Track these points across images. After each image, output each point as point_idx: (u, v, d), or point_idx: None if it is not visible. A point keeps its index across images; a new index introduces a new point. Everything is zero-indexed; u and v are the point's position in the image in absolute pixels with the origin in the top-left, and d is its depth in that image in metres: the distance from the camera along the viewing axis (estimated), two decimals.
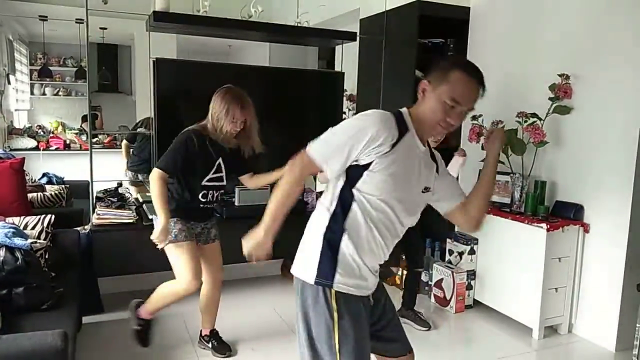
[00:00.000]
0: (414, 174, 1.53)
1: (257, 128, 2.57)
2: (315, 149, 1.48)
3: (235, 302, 3.49)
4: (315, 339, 1.52)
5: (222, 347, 2.75)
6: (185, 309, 3.19)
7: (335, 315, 1.49)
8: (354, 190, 1.48)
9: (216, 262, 2.70)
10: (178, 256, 2.48)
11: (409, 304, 3.23)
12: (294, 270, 1.60)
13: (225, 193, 2.91)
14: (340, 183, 1.51)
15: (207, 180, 2.53)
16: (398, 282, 3.85)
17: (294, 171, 1.51)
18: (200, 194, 2.53)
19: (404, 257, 3.49)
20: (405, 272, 3.46)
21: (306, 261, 1.55)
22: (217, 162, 2.54)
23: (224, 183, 2.62)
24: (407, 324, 3.18)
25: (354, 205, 1.49)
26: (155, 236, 2.39)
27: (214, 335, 2.79)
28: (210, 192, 2.57)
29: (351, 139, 1.44)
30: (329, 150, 1.47)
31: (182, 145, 2.43)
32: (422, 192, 1.57)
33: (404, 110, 1.55)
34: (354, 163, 1.46)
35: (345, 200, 1.50)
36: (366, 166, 1.45)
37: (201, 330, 2.82)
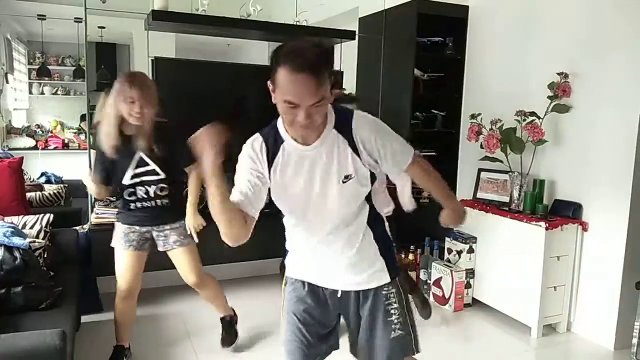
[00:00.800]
0: (303, 178, 1.47)
1: (151, 117, 2.26)
2: None
3: (234, 301, 3.48)
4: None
5: (225, 338, 2.80)
6: (183, 308, 3.20)
7: (284, 295, 1.68)
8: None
9: (182, 268, 2.55)
10: (115, 259, 2.48)
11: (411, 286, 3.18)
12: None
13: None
14: None
15: (132, 177, 2.33)
16: None
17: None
18: (126, 193, 2.37)
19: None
20: None
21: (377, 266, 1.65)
22: (137, 157, 2.32)
23: (161, 176, 2.36)
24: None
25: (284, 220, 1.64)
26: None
27: (223, 322, 2.83)
28: (140, 187, 2.35)
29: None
30: None
31: (99, 156, 2.36)
32: (343, 182, 1.46)
33: (278, 120, 1.48)
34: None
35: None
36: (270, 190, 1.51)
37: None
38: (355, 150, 1.47)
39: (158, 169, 2.36)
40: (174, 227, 2.48)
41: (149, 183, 2.36)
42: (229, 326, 2.82)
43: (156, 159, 2.34)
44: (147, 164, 2.34)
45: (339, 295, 1.63)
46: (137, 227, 2.44)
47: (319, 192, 1.49)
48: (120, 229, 2.45)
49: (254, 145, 1.48)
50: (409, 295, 3.15)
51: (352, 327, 1.67)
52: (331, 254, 1.59)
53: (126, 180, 2.34)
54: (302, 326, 1.63)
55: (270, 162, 1.46)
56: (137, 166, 2.33)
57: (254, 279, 3.88)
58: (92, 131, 2.44)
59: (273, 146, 1.46)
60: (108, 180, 2.39)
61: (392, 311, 1.61)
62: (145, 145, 2.30)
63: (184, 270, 2.57)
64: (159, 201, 2.40)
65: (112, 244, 2.48)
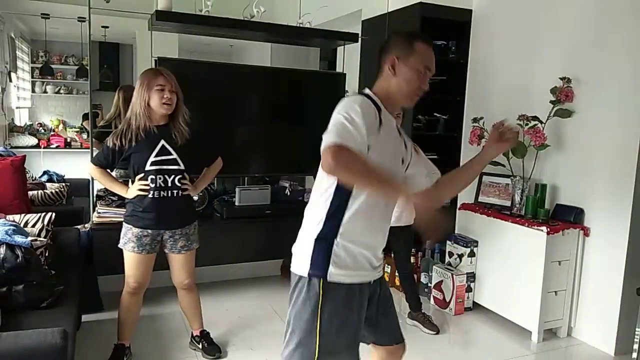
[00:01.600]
0: (396, 148, 1.62)
1: (179, 107, 2.43)
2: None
3: (233, 302, 3.49)
4: (302, 327, 1.58)
5: (211, 348, 2.72)
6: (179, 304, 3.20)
7: (320, 303, 1.54)
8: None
9: (180, 271, 2.57)
10: (125, 260, 2.48)
11: (415, 307, 3.23)
12: (292, 266, 1.64)
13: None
14: (332, 178, 1.52)
15: (152, 164, 2.38)
16: (397, 283, 3.85)
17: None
18: (148, 179, 2.38)
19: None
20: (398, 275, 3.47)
21: (301, 256, 1.60)
22: (160, 144, 2.39)
23: (181, 167, 2.43)
24: (415, 327, 3.19)
25: (351, 197, 1.53)
26: (132, 195, 2.40)
27: (204, 336, 2.77)
28: (159, 176, 2.39)
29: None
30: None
31: (106, 149, 2.42)
32: (401, 164, 1.64)
33: (367, 91, 1.62)
34: None
35: (341, 194, 1.53)
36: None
37: (192, 332, 2.81)
38: (404, 142, 1.71)
39: (179, 160, 2.42)
40: (184, 233, 2.51)
41: (169, 172, 2.41)
42: (210, 337, 2.79)
43: (179, 150, 2.41)
44: (170, 153, 2.41)
45: (371, 284, 1.66)
46: (150, 231, 2.44)
47: (399, 165, 1.63)
48: (131, 232, 2.43)
49: (364, 103, 1.51)
50: (415, 315, 3.21)
51: (371, 313, 1.69)
52: (381, 242, 1.65)
53: (147, 166, 2.38)
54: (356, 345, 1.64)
55: (380, 123, 1.52)
56: (158, 154, 2.39)
57: (251, 279, 3.88)
58: (103, 123, 2.49)
59: (378, 110, 1.55)
60: (107, 165, 2.46)
61: (391, 293, 1.81)
62: (174, 135, 2.41)
63: (181, 272, 2.58)
64: (176, 192, 2.43)
65: (121, 246, 2.46)
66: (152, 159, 2.38)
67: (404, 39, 1.61)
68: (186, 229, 2.52)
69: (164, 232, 2.48)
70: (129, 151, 2.39)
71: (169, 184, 2.41)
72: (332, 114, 1.50)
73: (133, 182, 2.44)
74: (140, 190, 2.39)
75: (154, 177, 2.38)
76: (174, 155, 2.41)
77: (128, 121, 2.40)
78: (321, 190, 1.57)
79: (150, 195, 2.40)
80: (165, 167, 2.40)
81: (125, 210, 2.52)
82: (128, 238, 2.44)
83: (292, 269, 1.63)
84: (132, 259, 2.46)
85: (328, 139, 1.41)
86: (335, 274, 1.55)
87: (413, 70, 1.58)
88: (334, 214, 1.55)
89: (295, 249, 1.65)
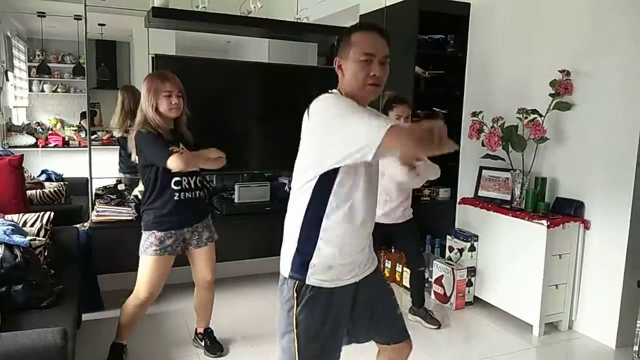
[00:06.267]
0: None
1: (185, 109, 2.44)
2: None
3: (234, 300, 3.49)
4: (282, 331, 1.58)
5: (214, 346, 2.73)
6: (185, 306, 3.20)
7: (297, 307, 1.53)
8: (335, 177, 1.49)
9: (206, 266, 2.59)
10: (142, 267, 2.44)
11: (418, 303, 3.23)
12: (280, 265, 1.64)
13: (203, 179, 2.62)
14: (314, 175, 1.49)
15: None
16: (398, 279, 3.85)
17: None
18: (173, 182, 2.39)
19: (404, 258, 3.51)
20: (408, 273, 3.47)
21: (285, 257, 1.60)
22: (181, 147, 2.39)
23: (197, 168, 2.44)
24: (417, 322, 3.19)
25: (332, 195, 1.50)
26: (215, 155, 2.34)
27: (207, 334, 2.78)
28: (184, 178, 2.42)
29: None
30: None
31: (153, 137, 2.34)
32: None
33: (335, 91, 1.59)
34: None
35: (321, 192, 1.50)
36: None
37: (196, 328, 2.82)
38: None
39: None
40: (205, 224, 2.56)
41: (190, 174, 2.43)
42: (213, 335, 2.80)
43: (193, 151, 2.43)
44: None
45: (358, 284, 1.63)
46: (174, 232, 2.43)
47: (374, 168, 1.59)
48: (153, 237, 2.40)
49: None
50: (417, 310, 3.21)
51: (359, 313, 1.66)
52: (364, 238, 1.61)
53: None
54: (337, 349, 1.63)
55: None
56: None
57: (252, 276, 3.87)
58: (128, 128, 2.43)
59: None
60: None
61: (391, 290, 1.78)
62: (184, 137, 2.44)
63: (207, 268, 2.59)
64: (198, 192, 2.48)
65: (142, 253, 2.43)
66: None
67: (343, 35, 1.57)
68: (205, 221, 2.57)
69: (186, 231, 2.48)
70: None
71: (192, 185, 2.46)
72: None
73: (154, 189, 2.40)
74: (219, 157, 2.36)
75: (179, 179, 2.41)
76: None
77: (146, 123, 2.37)
78: (302, 189, 1.53)
79: (176, 198, 2.40)
80: None
81: (142, 218, 2.47)
82: (150, 242, 2.40)
83: (280, 269, 1.63)
84: (150, 263, 2.41)
85: (373, 128, 1.31)
86: (313, 277, 1.54)
87: (356, 63, 1.51)
88: (312, 219, 1.52)
89: (282, 247, 1.64)
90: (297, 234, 1.55)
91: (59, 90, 7.77)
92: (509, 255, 3.24)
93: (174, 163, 2.23)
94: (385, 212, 2.98)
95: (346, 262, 1.57)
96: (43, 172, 4.82)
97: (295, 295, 1.54)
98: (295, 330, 1.54)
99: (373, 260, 1.71)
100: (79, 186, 4.31)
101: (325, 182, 1.49)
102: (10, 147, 5.70)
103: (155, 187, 2.41)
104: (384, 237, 3.05)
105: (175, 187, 2.40)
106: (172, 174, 2.37)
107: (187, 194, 2.44)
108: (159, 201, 2.41)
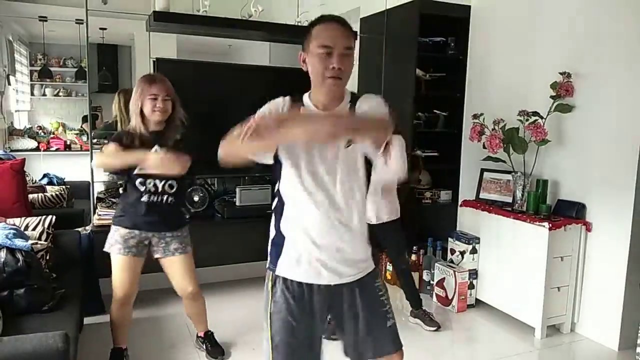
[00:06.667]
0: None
1: (175, 113, 2.43)
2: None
3: (235, 302, 3.48)
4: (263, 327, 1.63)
5: (215, 350, 2.72)
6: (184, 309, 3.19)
7: (270, 298, 1.60)
8: (282, 175, 1.56)
9: (182, 278, 2.52)
10: (113, 267, 2.43)
11: (416, 305, 3.22)
12: None
13: (183, 185, 2.52)
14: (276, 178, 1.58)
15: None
16: (390, 278, 3.84)
17: None
18: (138, 181, 2.36)
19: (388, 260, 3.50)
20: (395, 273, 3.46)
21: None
22: (154, 149, 2.33)
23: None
24: (417, 324, 3.18)
25: (282, 193, 1.57)
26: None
27: (208, 337, 2.77)
28: (149, 180, 2.36)
29: None
30: None
31: (118, 135, 2.42)
32: (346, 146, 1.52)
33: (287, 97, 1.62)
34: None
35: (279, 188, 1.59)
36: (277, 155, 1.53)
37: (197, 332, 2.82)
38: None
39: None
40: (175, 235, 2.48)
41: (160, 177, 2.38)
42: (214, 339, 2.79)
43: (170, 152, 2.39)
44: None
45: (332, 288, 1.59)
46: (137, 232, 2.41)
47: (330, 154, 1.53)
48: (117, 234, 2.41)
49: (277, 100, 1.59)
50: (416, 312, 3.20)
51: (343, 323, 1.64)
52: (333, 238, 1.56)
53: (137, 169, 2.32)
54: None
55: None
56: None
57: (251, 279, 3.86)
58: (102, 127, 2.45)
59: (292, 107, 1.56)
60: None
61: (385, 301, 1.68)
62: (165, 140, 2.39)
63: (182, 280, 2.53)
64: (165, 197, 2.41)
65: (107, 249, 2.43)
66: None
67: (306, 31, 1.55)
68: (177, 232, 2.49)
69: (152, 236, 2.44)
70: None
71: (159, 189, 2.39)
72: None
73: (125, 187, 2.44)
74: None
75: (143, 180, 2.36)
76: None
77: (127, 126, 2.43)
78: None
79: (142, 199, 2.38)
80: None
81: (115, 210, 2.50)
82: (114, 240, 2.41)
83: None
84: (117, 263, 2.42)
85: None
86: (281, 267, 1.58)
87: (315, 56, 1.49)
88: (277, 205, 1.60)
89: None
90: (272, 225, 1.62)
91: (60, 94, 7.80)
92: (510, 258, 3.23)
93: (96, 160, 2.36)
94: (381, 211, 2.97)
95: (311, 258, 1.54)
96: (45, 175, 4.83)
97: (270, 285, 1.60)
98: (269, 325, 1.60)
99: (364, 268, 1.63)
100: (80, 190, 4.32)
101: (277, 172, 1.57)
102: (12, 151, 5.71)
103: (128, 184, 2.43)
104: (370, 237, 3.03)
105: (140, 188, 2.37)
106: (137, 175, 2.35)
107: (153, 197, 2.39)
108: (129, 198, 2.42)
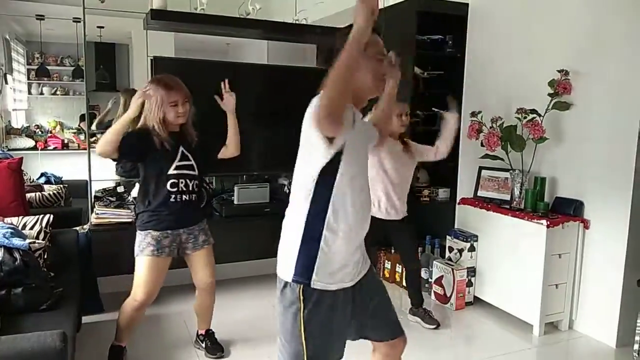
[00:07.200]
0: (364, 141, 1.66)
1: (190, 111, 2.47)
2: None
3: (234, 301, 3.48)
4: (288, 335, 1.57)
5: (214, 348, 2.73)
6: (185, 308, 3.19)
7: (304, 309, 1.52)
8: (337, 176, 1.49)
9: (205, 270, 2.58)
10: (139, 268, 2.43)
11: (417, 303, 3.23)
12: (277, 270, 1.61)
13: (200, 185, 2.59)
14: (314, 174, 1.49)
15: (175, 168, 2.42)
16: (398, 279, 3.85)
17: None
18: (169, 184, 2.40)
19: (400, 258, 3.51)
20: (404, 271, 3.47)
21: (285, 260, 1.57)
22: (180, 150, 2.44)
23: (196, 172, 2.49)
24: (416, 322, 3.19)
25: (333, 194, 1.49)
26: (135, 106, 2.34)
27: (208, 335, 2.78)
28: (181, 180, 2.43)
29: None
30: None
31: (135, 135, 2.39)
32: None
33: None
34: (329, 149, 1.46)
35: (322, 192, 1.49)
36: (342, 147, 1.48)
37: (197, 330, 2.83)
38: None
39: (195, 165, 2.48)
40: (201, 227, 2.57)
41: (189, 177, 2.46)
42: (214, 337, 2.79)
43: (194, 155, 2.48)
44: (189, 159, 2.47)
45: (355, 285, 1.63)
46: (170, 231, 2.44)
47: (364, 155, 1.62)
48: (149, 237, 2.41)
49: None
50: (415, 310, 3.21)
51: (362, 310, 1.67)
52: (361, 237, 1.61)
53: (171, 170, 2.40)
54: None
55: (353, 122, 1.53)
56: (181, 159, 2.44)
57: (252, 277, 3.87)
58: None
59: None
60: (123, 147, 2.33)
61: (384, 287, 1.79)
62: (188, 141, 2.47)
63: (206, 271, 2.58)
64: (194, 195, 2.49)
65: (137, 254, 2.43)
66: (175, 164, 2.42)
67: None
68: (201, 224, 2.58)
69: (182, 232, 2.49)
70: (147, 156, 2.40)
71: (190, 188, 2.47)
72: None
73: (147, 190, 2.43)
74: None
75: (175, 181, 2.42)
76: (192, 161, 2.48)
77: (146, 128, 2.38)
78: (303, 189, 1.52)
79: (172, 200, 2.42)
80: (186, 172, 2.45)
81: (137, 219, 2.48)
82: (147, 243, 2.41)
83: (277, 273, 1.60)
84: (147, 264, 2.41)
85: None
86: (318, 281, 1.52)
87: (375, 61, 1.62)
88: (317, 215, 1.50)
89: (279, 251, 1.62)
90: (299, 235, 1.52)
91: (58, 92, 7.78)
92: (508, 255, 3.24)
93: (98, 149, 2.33)
94: (382, 209, 2.98)
95: (348, 262, 1.57)
96: (42, 174, 4.82)
97: (302, 298, 1.52)
98: (303, 333, 1.52)
99: (366, 259, 1.71)
100: (78, 189, 4.31)
101: (327, 179, 1.49)
102: (9, 150, 5.69)
103: (151, 188, 2.43)
104: (380, 234, 3.05)
105: (171, 189, 2.41)
106: (168, 176, 2.40)
107: (183, 196, 2.45)
108: (155, 202, 2.42)
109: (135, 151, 2.40)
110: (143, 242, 2.42)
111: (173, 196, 2.42)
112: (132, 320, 2.51)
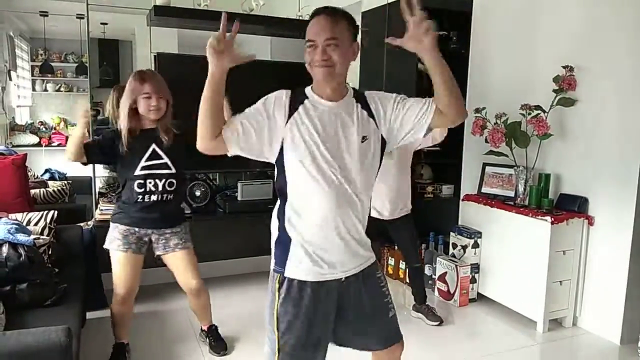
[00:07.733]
0: (327, 131, 1.55)
1: (169, 111, 2.40)
2: None
3: (237, 297, 3.49)
4: (267, 324, 1.62)
5: (218, 345, 2.72)
6: (187, 303, 3.20)
7: (278, 300, 1.57)
8: (285, 167, 1.55)
9: (185, 273, 2.52)
10: (113, 264, 2.42)
11: (420, 299, 3.23)
12: None
13: (178, 184, 2.45)
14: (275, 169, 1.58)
15: (142, 169, 2.35)
16: (402, 276, 3.85)
17: None
18: (136, 184, 2.35)
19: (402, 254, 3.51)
20: (407, 269, 3.47)
21: (272, 251, 1.64)
22: (151, 149, 2.36)
23: (172, 170, 2.40)
24: (419, 319, 3.19)
25: (288, 185, 1.55)
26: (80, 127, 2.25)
27: (212, 331, 2.77)
28: (149, 180, 2.35)
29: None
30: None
31: (103, 136, 2.42)
32: (361, 142, 1.55)
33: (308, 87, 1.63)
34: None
35: (281, 183, 1.57)
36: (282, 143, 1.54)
37: (201, 326, 2.83)
38: (370, 113, 1.59)
39: (170, 164, 2.40)
40: (175, 231, 2.49)
41: (159, 176, 2.38)
42: (218, 333, 2.79)
43: (169, 154, 2.39)
44: (160, 157, 2.39)
45: (342, 282, 1.60)
46: (137, 229, 2.41)
47: (343, 147, 1.54)
48: (117, 231, 2.41)
49: (279, 93, 1.59)
50: (419, 307, 3.20)
51: (349, 314, 1.64)
52: (343, 232, 1.56)
53: (137, 171, 2.35)
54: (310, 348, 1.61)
55: (289, 115, 1.54)
56: (149, 158, 2.37)
57: (255, 274, 3.87)
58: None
59: (294, 101, 1.56)
60: (90, 154, 2.33)
61: (386, 292, 1.71)
62: (162, 139, 2.38)
63: (185, 275, 2.54)
64: (165, 195, 2.40)
65: (106, 246, 2.43)
66: (142, 163, 2.36)
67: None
68: (176, 229, 2.49)
69: (151, 233, 2.45)
70: (114, 158, 2.38)
71: (160, 188, 2.39)
72: None
73: (123, 186, 2.43)
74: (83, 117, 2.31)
75: (143, 181, 2.36)
76: (165, 160, 2.39)
77: (114, 130, 2.40)
78: (276, 182, 1.62)
79: (139, 200, 2.37)
80: (155, 171, 2.37)
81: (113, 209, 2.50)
82: (113, 236, 2.41)
83: None
84: (117, 259, 2.41)
85: None
86: (291, 269, 1.55)
87: (305, 51, 1.56)
88: (280, 208, 1.59)
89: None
90: (276, 226, 1.60)
91: (62, 89, 7.79)
92: (512, 252, 3.23)
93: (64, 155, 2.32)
94: (383, 208, 2.98)
95: (325, 249, 1.55)
96: (47, 171, 4.84)
97: (277, 287, 1.57)
98: (276, 323, 1.57)
99: (367, 258, 1.66)
100: (82, 185, 4.32)
101: (280, 171, 1.57)
102: (13, 146, 5.72)
103: (122, 183, 2.43)
104: (381, 233, 3.05)
105: (138, 190, 2.36)
106: (135, 177, 2.35)
107: (152, 196, 2.38)
108: (127, 197, 2.41)
109: (102, 157, 2.42)
110: (111, 235, 2.42)
111: (140, 197, 2.36)
112: (120, 315, 2.51)
